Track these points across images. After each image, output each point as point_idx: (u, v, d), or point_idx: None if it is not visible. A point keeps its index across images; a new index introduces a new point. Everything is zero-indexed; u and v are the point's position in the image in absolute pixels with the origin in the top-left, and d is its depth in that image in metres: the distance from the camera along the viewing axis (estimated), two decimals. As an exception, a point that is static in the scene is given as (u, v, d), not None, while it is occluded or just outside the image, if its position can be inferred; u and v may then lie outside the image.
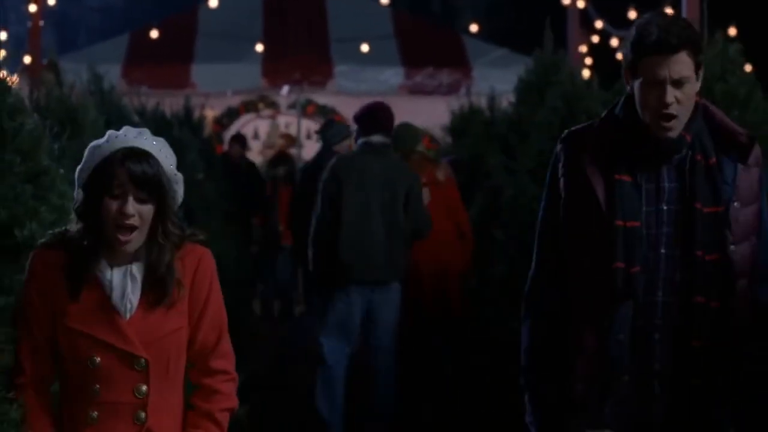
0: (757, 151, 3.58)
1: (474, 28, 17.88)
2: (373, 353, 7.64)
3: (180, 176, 3.40)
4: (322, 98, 18.38)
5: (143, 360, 3.30)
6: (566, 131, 3.69)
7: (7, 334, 3.62)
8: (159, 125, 10.56)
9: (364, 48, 17.38)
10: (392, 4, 18.46)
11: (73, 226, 3.37)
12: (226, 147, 16.12)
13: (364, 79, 18.01)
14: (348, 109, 18.32)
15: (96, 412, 3.27)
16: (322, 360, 7.48)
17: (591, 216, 3.50)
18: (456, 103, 13.67)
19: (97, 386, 3.27)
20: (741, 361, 3.54)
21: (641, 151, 3.52)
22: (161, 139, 3.41)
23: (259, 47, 17.76)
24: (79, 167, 3.38)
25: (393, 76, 18.08)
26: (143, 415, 3.30)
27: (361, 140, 7.82)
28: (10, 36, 18.11)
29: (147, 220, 3.30)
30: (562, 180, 3.61)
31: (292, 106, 18.34)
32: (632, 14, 12.87)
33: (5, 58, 13.58)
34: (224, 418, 3.45)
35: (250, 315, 13.13)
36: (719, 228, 3.49)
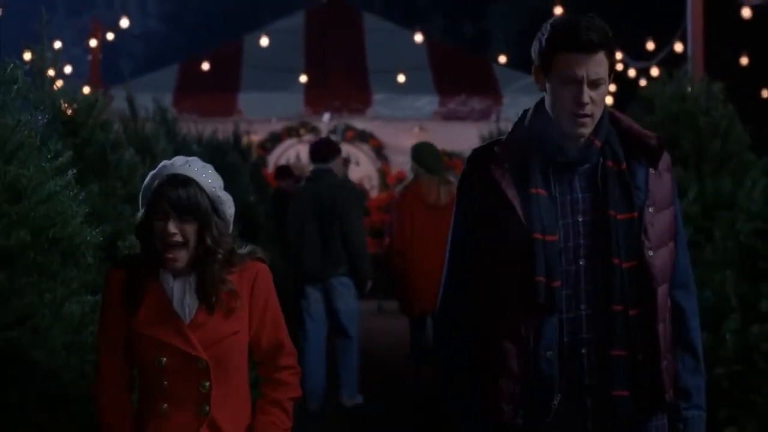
0: (666, 156, 3.47)
1: (503, 59, 18.60)
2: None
3: (226, 197, 3.60)
4: (360, 124, 19.21)
5: (204, 360, 3.53)
6: (473, 150, 3.56)
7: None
8: (214, 152, 11.40)
9: (401, 78, 18.08)
10: (426, 34, 19.05)
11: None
12: (270, 170, 16.75)
13: (400, 107, 18.77)
14: (385, 133, 19.20)
15: (166, 404, 3.52)
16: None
17: (509, 231, 3.35)
18: (486, 128, 14.38)
19: (166, 382, 3.51)
20: (662, 370, 3.39)
21: (553, 162, 3.38)
22: (208, 166, 3.62)
23: (303, 78, 18.49)
24: (141, 193, 3.59)
25: (428, 103, 18.78)
26: (207, 407, 3.54)
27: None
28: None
29: (190, 238, 3.52)
30: (473, 198, 3.45)
31: (332, 132, 18.98)
32: (650, 45, 13.43)
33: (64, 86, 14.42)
34: (290, 407, 3.72)
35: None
36: (635, 234, 3.36)
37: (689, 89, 6.50)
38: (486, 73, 19.18)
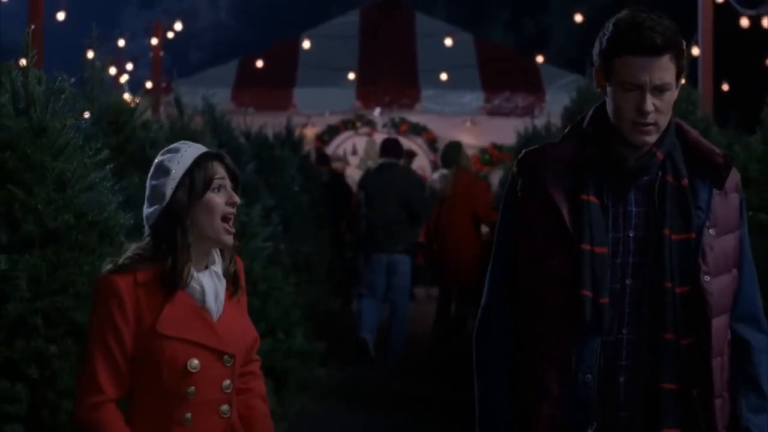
0: (735, 175, 3.17)
1: (540, 59, 19.04)
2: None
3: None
4: (413, 117, 19.83)
5: (231, 356, 3.35)
6: (523, 151, 3.28)
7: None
8: (262, 146, 12.11)
9: (447, 75, 18.64)
10: (481, 31, 19.52)
11: (131, 250, 3.38)
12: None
13: (447, 103, 19.35)
14: (437, 127, 19.78)
15: (190, 413, 3.28)
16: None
17: (555, 239, 3.07)
18: (530, 123, 14.91)
19: (192, 387, 3.27)
20: (715, 408, 3.07)
21: (609, 171, 3.09)
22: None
23: (355, 75, 19.10)
24: (153, 184, 3.37)
25: (474, 99, 19.32)
26: (227, 408, 3.36)
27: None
28: (127, 53, 19.65)
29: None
30: (521, 203, 3.19)
31: (386, 125, 19.73)
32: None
33: (127, 80, 15.41)
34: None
35: (343, 311, 14.45)
36: (690, 257, 3.05)
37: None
38: (530, 70, 19.55)
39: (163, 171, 3.34)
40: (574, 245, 3.05)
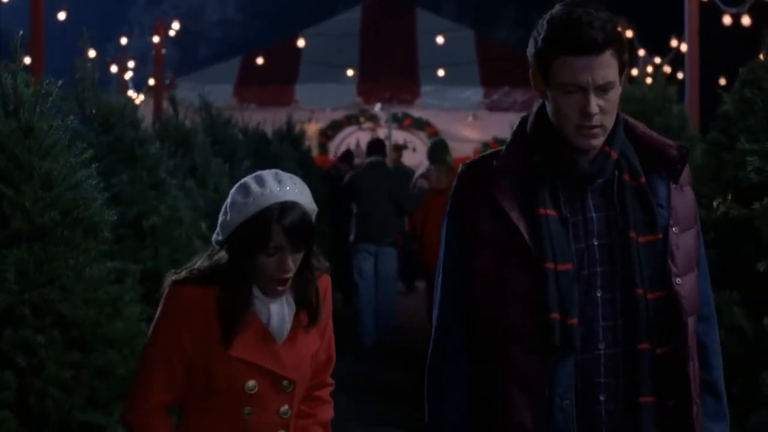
0: (687, 169, 2.97)
1: None
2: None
3: (315, 207, 3.26)
4: (416, 112, 20.06)
5: (292, 382, 3.28)
6: (463, 164, 3.03)
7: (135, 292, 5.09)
8: (259, 142, 12.37)
9: (447, 72, 18.87)
10: (483, 29, 19.68)
11: (202, 263, 3.30)
12: (331, 157, 17.61)
13: (447, 98, 19.61)
14: (440, 121, 19.96)
15: None
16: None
17: (515, 259, 2.82)
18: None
19: (248, 409, 3.24)
20: (693, 418, 2.88)
21: (560, 177, 2.85)
22: (293, 178, 3.25)
23: (356, 71, 19.36)
24: (222, 221, 3.25)
25: (473, 95, 19.59)
26: None
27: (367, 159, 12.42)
28: (134, 49, 19.80)
29: (298, 265, 3.23)
30: (468, 219, 2.92)
31: (389, 120, 20.02)
32: (673, 42, 13.95)
33: (132, 77, 15.72)
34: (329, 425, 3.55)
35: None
36: (659, 259, 2.83)
37: (647, 91, 7.19)
38: (528, 66, 19.65)
39: (232, 206, 3.22)
40: (536, 265, 2.80)
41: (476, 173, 2.95)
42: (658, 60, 14.53)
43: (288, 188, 3.16)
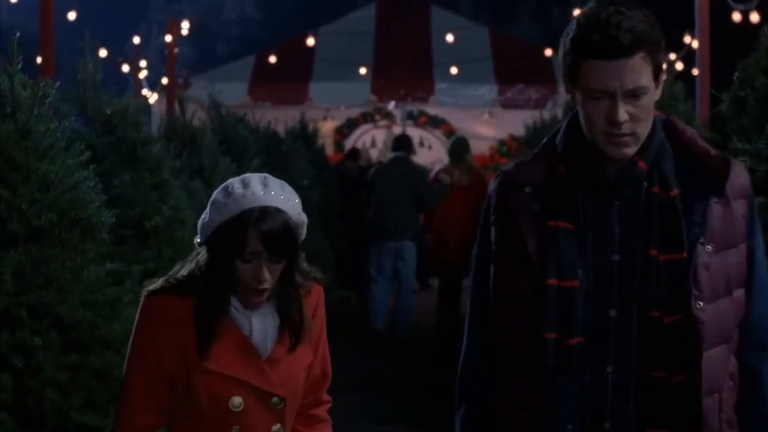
0: (740, 178, 2.71)
1: (548, 52, 19.14)
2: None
3: (304, 218, 3.08)
4: (431, 110, 20.00)
5: (282, 399, 3.11)
6: (499, 171, 2.90)
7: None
8: (270, 141, 12.38)
9: (460, 69, 18.83)
10: (501, 25, 19.71)
11: (183, 270, 3.14)
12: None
13: (462, 96, 19.53)
14: (456, 119, 19.95)
15: None
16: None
17: (519, 272, 2.71)
18: (539, 115, 15.04)
19: (237, 428, 3.05)
20: None
21: (585, 188, 2.69)
22: (283, 185, 3.07)
23: (370, 69, 19.34)
24: (202, 221, 3.10)
25: (487, 92, 19.51)
26: None
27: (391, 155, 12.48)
28: (151, 48, 19.86)
29: (277, 276, 3.05)
30: (492, 228, 2.82)
31: (405, 117, 19.97)
32: (686, 39, 13.94)
33: (147, 76, 15.76)
34: None
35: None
36: (681, 280, 2.62)
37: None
38: (543, 63, 19.63)
39: (212, 206, 3.07)
40: (539, 280, 2.66)
41: (505, 183, 2.83)
42: (672, 56, 14.49)
43: (273, 193, 2.99)
